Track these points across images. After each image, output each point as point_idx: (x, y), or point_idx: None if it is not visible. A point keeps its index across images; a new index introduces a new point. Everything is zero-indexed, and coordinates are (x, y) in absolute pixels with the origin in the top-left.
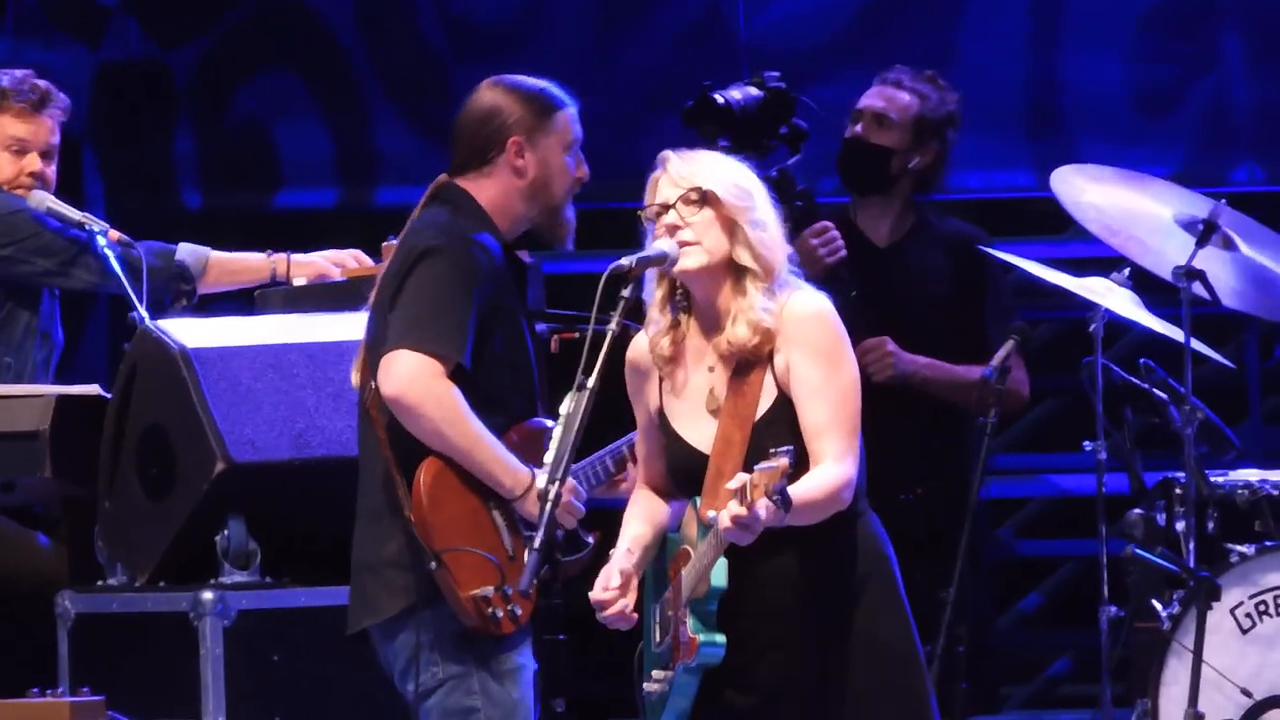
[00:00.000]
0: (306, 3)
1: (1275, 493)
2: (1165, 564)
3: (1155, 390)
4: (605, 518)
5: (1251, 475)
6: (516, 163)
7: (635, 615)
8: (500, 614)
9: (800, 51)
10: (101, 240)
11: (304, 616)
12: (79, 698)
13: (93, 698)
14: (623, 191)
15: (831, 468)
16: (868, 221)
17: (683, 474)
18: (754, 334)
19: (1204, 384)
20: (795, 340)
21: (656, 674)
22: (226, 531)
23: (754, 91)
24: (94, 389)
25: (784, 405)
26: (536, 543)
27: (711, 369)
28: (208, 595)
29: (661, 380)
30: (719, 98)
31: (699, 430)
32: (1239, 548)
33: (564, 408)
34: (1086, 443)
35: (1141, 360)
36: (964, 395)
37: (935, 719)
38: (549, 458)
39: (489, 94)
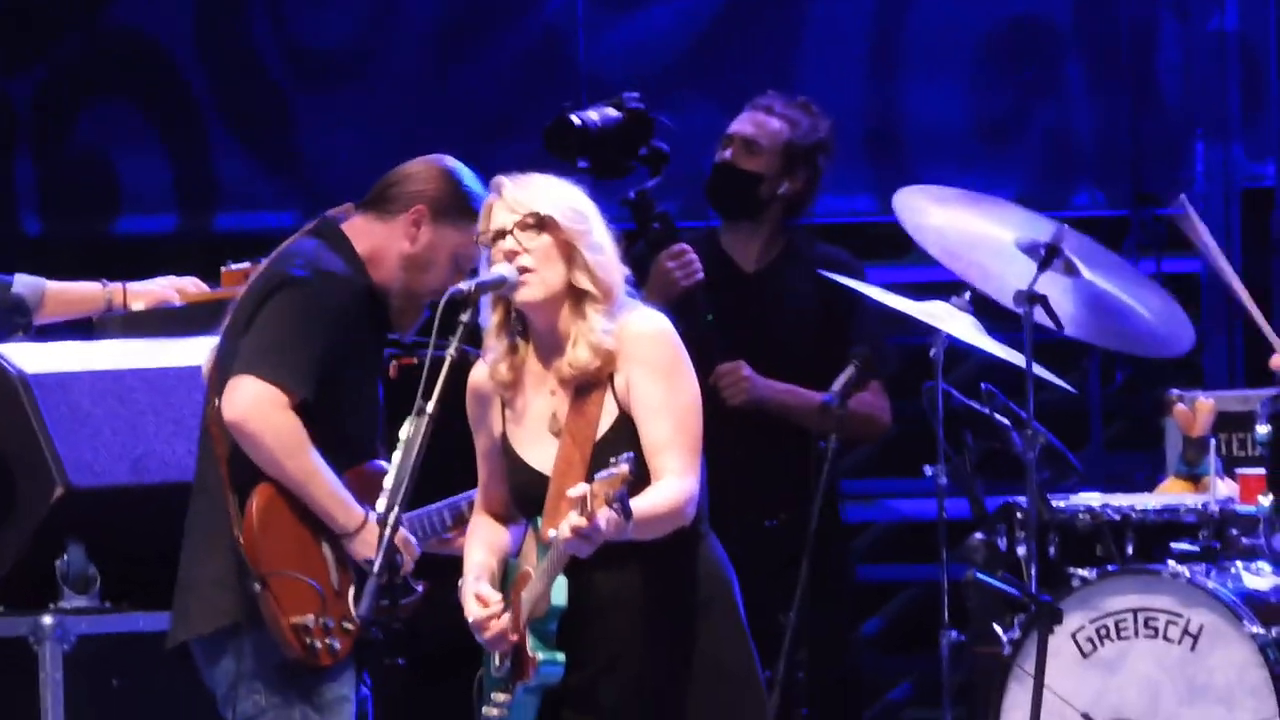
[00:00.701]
0: (146, 31)
1: (1116, 517)
2: (1006, 588)
3: (996, 415)
4: (436, 567)
5: (1093, 500)
6: (410, 229)
7: (515, 636)
8: (319, 645)
9: (639, 77)
10: None
11: (144, 641)
12: None
13: None
14: None
15: (673, 482)
16: (736, 246)
17: (524, 497)
18: (595, 356)
19: (1046, 409)
20: (634, 359)
21: (497, 698)
22: (66, 556)
23: (612, 113)
24: None
25: (625, 424)
26: (375, 568)
27: (553, 392)
28: (47, 620)
29: (503, 405)
30: (576, 119)
31: (541, 453)
32: (1080, 572)
33: (403, 433)
34: (927, 467)
35: (983, 385)
36: (821, 421)
37: None
38: (388, 482)
39: (428, 163)
